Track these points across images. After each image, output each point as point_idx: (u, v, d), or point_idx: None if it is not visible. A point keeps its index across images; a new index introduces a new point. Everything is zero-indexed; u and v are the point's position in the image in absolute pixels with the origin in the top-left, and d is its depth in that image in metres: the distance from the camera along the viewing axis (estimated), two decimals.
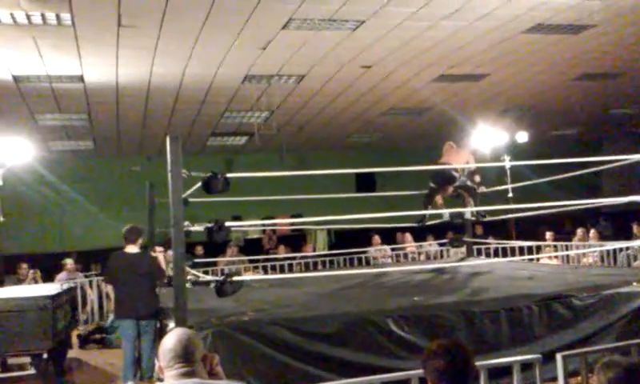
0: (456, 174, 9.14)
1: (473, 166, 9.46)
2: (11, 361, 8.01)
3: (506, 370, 4.43)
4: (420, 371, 3.80)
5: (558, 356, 3.99)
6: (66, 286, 8.57)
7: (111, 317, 10.21)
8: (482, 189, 9.80)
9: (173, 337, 2.59)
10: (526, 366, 4.37)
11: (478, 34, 10.15)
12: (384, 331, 5.44)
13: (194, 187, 6.30)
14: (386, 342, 5.43)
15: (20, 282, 11.89)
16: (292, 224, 18.31)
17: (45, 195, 17.76)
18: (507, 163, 12.75)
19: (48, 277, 12.68)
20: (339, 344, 5.35)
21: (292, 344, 5.28)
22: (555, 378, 4.53)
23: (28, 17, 8.22)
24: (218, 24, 8.95)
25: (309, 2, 8.38)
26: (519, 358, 4.25)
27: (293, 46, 10.15)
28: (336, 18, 9.04)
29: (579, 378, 4.31)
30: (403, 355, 5.44)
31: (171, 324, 5.92)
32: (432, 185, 9.53)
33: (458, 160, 9.30)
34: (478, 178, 9.61)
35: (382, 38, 9.95)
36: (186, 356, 2.52)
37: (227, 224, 5.88)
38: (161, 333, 7.22)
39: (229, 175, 5.89)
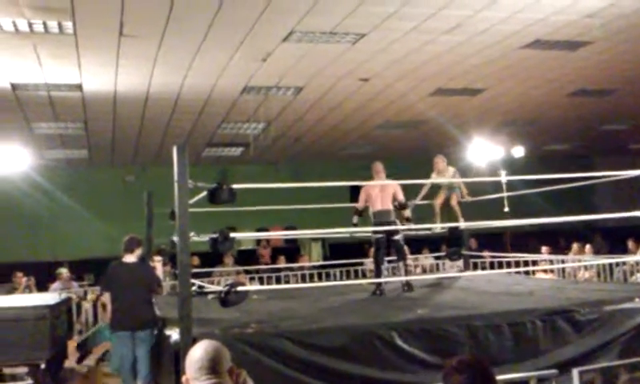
0: (394, 218, 8.31)
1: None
2: (7, 371, 7.84)
3: None
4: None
5: (575, 371, 4.02)
6: (64, 296, 8.51)
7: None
8: (467, 198, 9.83)
9: (200, 348, 2.58)
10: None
11: (476, 49, 10.23)
12: (389, 345, 5.41)
13: (196, 198, 6.28)
14: (391, 355, 5.40)
15: (13, 290, 11.80)
16: (286, 235, 18.32)
17: (38, 203, 17.65)
18: (503, 178, 12.74)
19: (41, 286, 12.59)
20: (345, 357, 5.32)
21: (297, 357, 5.23)
22: None
23: (30, 25, 8.22)
24: (220, 35, 8.97)
25: (311, 15, 8.43)
26: (536, 373, 4.28)
27: (293, 58, 10.19)
28: (337, 31, 9.09)
29: None
30: (408, 369, 5.41)
31: (173, 333, 5.88)
32: (379, 236, 8.36)
33: (390, 196, 8.33)
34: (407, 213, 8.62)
35: (382, 51, 10.01)
36: (213, 367, 2.51)
37: (232, 235, 5.85)
38: (157, 342, 7.21)
39: (234, 186, 5.88)
